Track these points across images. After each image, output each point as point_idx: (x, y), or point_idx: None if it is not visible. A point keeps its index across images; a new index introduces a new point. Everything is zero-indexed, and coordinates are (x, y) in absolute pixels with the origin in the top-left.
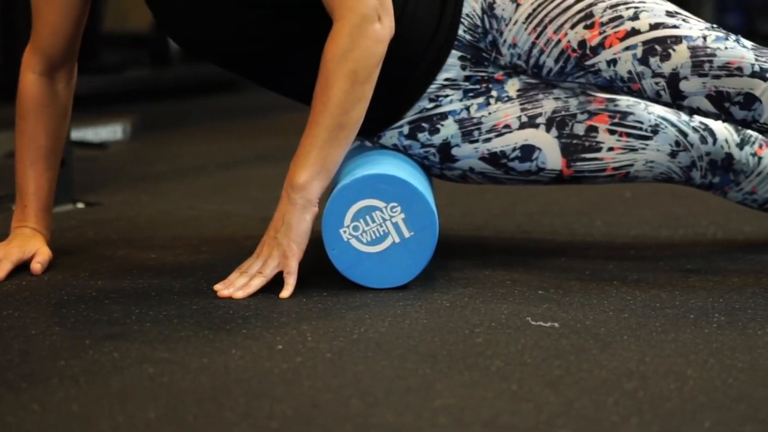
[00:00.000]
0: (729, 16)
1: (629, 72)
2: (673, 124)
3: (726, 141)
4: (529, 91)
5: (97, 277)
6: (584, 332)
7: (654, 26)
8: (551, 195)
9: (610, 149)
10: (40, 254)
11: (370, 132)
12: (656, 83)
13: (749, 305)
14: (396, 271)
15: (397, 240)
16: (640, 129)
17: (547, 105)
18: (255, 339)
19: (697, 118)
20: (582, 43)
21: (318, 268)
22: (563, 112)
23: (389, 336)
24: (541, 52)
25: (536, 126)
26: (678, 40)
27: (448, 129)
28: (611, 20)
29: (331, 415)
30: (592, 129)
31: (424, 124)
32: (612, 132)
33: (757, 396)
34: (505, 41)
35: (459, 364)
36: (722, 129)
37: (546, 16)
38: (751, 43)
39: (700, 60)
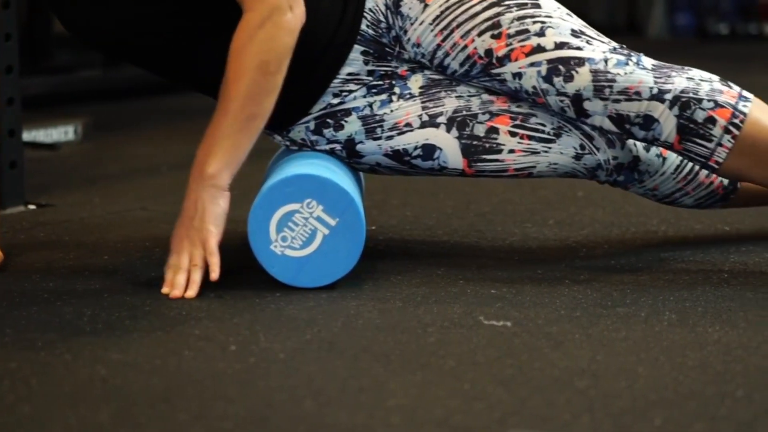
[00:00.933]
0: (680, 17)
1: (534, 87)
2: (577, 127)
3: (634, 144)
4: (431, 88)
5: (49, 278)
6: (536, 331)
7: (559, 45)
8: (504, 194)
9: (511, 151)
10: None
11: (278, 126)
12: (561, 101)
13: (699, 303)
14: (339, 260)
15: (327, 232)
16: (543, 132)
17: (449, 104)
18: (208, 340)
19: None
20: (489, 52)
21: None
22: (464, 112)
23: (342, 336)
24: (447, 54)
25: (437, 126)
26: (581, 62)
27: (352, 126)
28: (518, 33)
29: (285, 416)
30: (493, 130)
31: (329, 120)
32: (513, 134)
33: (708, 393)
34: (409, 39)
35: (412, 363)
36: None
37: (454, 20)
38: (652, 62)
39: (601, 85)
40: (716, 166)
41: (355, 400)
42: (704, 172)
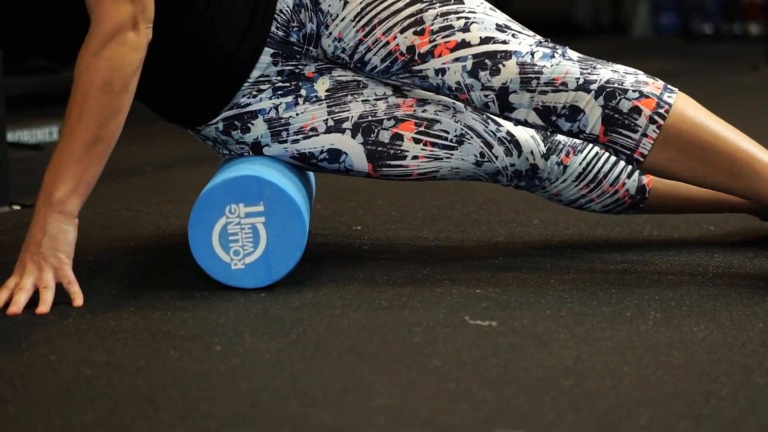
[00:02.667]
0: (664, 16)
1: (458, 83)
2: (479, 135)
3: (531, 153)
4: (338, 91)
5: None
6: (522, 331)
7: (484, 40)
8: (490, 194)
9: (415, 158)
10: None
11: (190, 124)
12: (485, 95)
13: (684, 303)
14: (293, 232)
15: (263, 219)
16: (446, 139)
17: (355, 109)
18: (193, 340)
19: (504, 128)
20: (411, 49)
21: None
22: (370, 118)
23: (327, 336)
24: (368, 50)
25: (342, 131)
26: (508, 55)
27: (258, 128)
28: (442, 29)
29: (270, 416)
30: (398, 137)
31: (236, 122)
32: (417, 141)
33: (693, 393)
34: (330, 34)
35: (397, 363)
36: (528, 140)
37: (375, 16)
38: (578, 55)
39: (528, 77)
40: (641, 159)
41: (340, 400)
42: (608, 180)
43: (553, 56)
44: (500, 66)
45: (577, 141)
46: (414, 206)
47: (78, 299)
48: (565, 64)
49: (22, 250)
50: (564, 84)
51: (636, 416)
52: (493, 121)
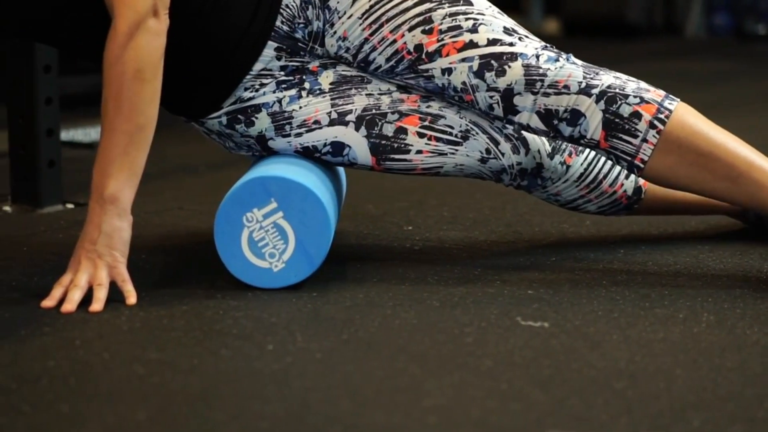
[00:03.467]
0: (717, 16)
1: (463, 83)
2: (484, 131)
3: (538, 151)
4: (342, 85)
5: None
6: (574, 332)
7: (492, 42)
8: None
9: (419, 152)
10: None
11: (193, 117)
12: (490, 97)
13: (738, 305)
14: (313, 210)
15: (282, 214)
16: (450, 134)
17: (359, 102)
18: (245, 339)
19: (511, 126)
20: (419, 47)
21: None
22: (374, 111)
23: (379, 336)
24: (373, 49)
25: (345, 124)
26: (514, 57)
27: (262, 122)
28: (450, 29)
29: (321, 416)
30: (402, 131)
31: (240, 116)
32: (421, 135)
33: (746, 395)
34: (335, 33)
35: (449, 364)
36: (535, 138)
37: (383, 14)
38: (583, 62)
39: (533, 78)
40: (642, 165)
41: (391, 400)
42: (607, 180)
43: (557, 60)
44: (506, 67)
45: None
46: (466, 207)
47: (131, 298)
48: (569, 67)
49: (77, 247)
50: (566, 87)
51: (689, 419)
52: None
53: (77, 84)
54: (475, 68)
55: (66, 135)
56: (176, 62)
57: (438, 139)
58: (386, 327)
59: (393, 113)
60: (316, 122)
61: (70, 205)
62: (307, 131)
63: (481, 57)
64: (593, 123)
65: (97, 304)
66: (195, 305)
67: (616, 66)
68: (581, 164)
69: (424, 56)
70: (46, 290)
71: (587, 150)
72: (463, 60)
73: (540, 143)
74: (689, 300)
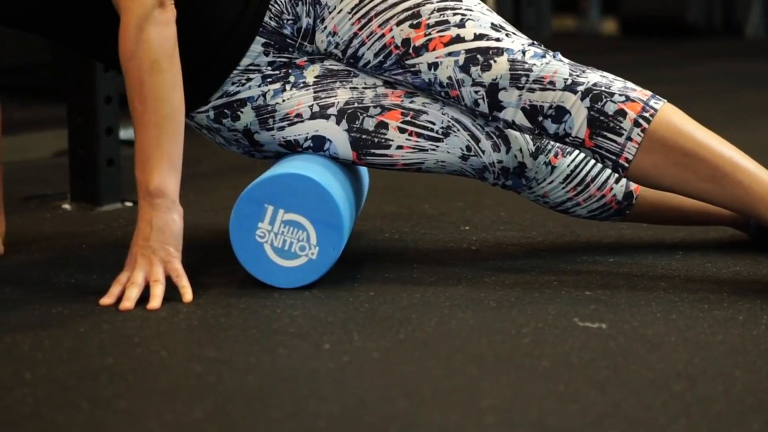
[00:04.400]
0: None
1: (449, 78)
2: (466, 128)
3: (520, 150)
4: (326, 78)
5: None
6: (632, 333)
7: (478, 36)
8: None
9: (399, 147)
10: None
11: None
12: (476, 92)
13: None
14: (312, 187)
15: (282, 210)
16: (431, 130)
17: (342, 95)
18: (302, 338)
19: (492, 124)
20: (406, 41)
21: (364, 269)
22: (356, 104)
23: (436, 336)
24: (362, 43)
25: (327, 117)
26: (500, 52)
27: (247, 116)
28: (438, 23)
29: (378, 415)
30: (383, 125)
31: (226, 111)
32: (402, 130)
33: None
34: (325, 28)
35: (506, 364)
36: (517, 137)
37: (372, 9)
38: (569, 60)
39: (518, 73)
40: (626, 164)
41: (448, 400)
42: (595, 184)
43: (544, 56)
44: (491, 62)
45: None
46: (523, 207)
47: (187, 294)
48: (555, 64)
49: (132, 244)
50: (552, 83)
51: (748, 421)
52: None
53: None
54: (461, 62)
55: (125, 134)
56: None
57: (419, 135)
58: (443, 327)
59: (375, 107)
60: (298, 115)
61: (128, 203)
62: (289, 125)
63: (467, 51)
64: (578, 120)
65: (155, 301)
66: (252, 304)
67: (673, 67)
68: (568, 165)
69: (411, 51)
70: (104, 288)
71: (575, 152)
72: (450, 54)
73: (522, 142)
74: (748, 302)
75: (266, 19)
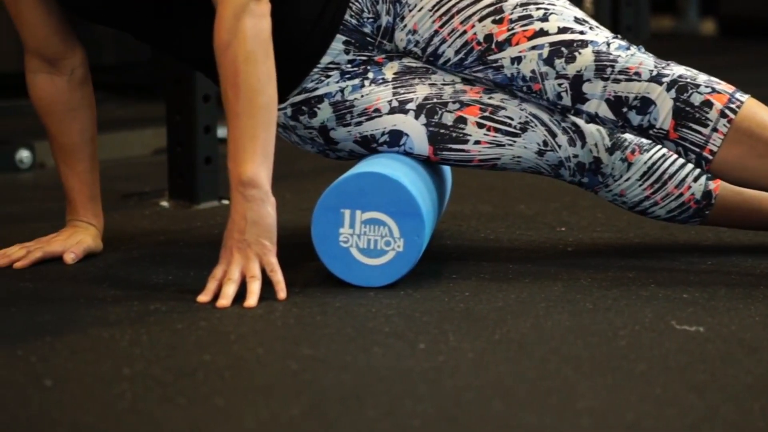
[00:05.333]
0: None
1: (532, 71)
2: (543, 123)
3: (595, 145)
4: (405, 74)
5: None
6: (730, 337)
7: (562, 30)
8: None
9: (477, 142)
10: (78, 245)
11: None
12: (559, 84)
13: None
14: (390, 185)
15: (360, 211)
16: (510, 125)
17: (420, 91)
18: (397, 337)
19: (570, 119)
20: (488, 37)
21: (460, 269)
22: (435, 100)
23: (531, 337)
24: (443, 41)
25: (405, 112)
26: (584, 44)
27: (324, 112)
28: (521, 18)
29: (474, 415)
30: (461, 120)
31: (303, 107)
32: (480, 125)
33: None
34: (405, 26)
35: (602, 366)
36: (593, 132)
37: (454, 6)
38: (653, 55)
39: (603, 64)
40: (710, 156)
41: (544, 401)
42: (673, 181)
43: (628, 48)
44: (576, 54)
45: (644, 140)
46: (619, 208)
47: (281, 291)
48: (640, 56)
49: (225, 238)
50: (637, 74)
51: None
52: (559, 111)
53: None
54: (545, 56)
55: (222, 132)
56: None
57: (497, 130)
58: (538, 328)
59: (454, 102)
60: (377, 110)
61: (225, 201)
62: (367, 119)
63: (552, 44)
64: (663, 111)
65: (252, 298)
66: (347, 303)
67: None
68: (645, 162)
69: (493, 46)
70: (201, 285)
71: (653, 149)
72: (533, 48)
73: (598, 137)
74: None
75: (346, 17)
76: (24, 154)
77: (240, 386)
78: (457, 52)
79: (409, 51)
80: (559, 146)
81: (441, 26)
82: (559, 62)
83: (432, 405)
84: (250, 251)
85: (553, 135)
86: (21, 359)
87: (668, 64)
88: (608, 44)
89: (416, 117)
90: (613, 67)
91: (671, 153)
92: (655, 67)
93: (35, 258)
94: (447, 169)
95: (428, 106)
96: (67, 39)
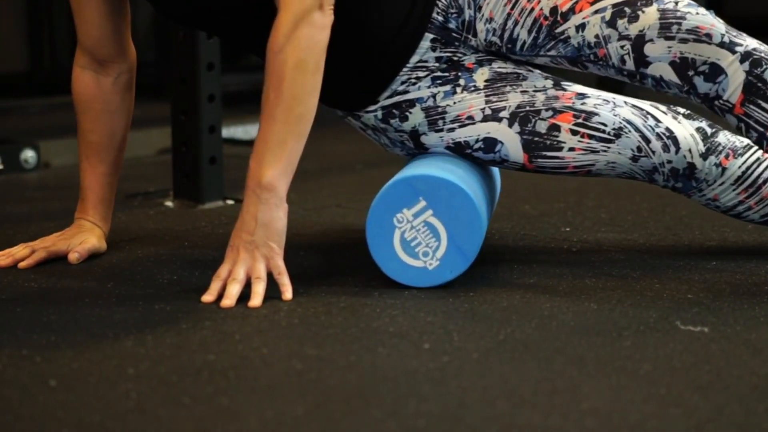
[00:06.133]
0: None
1: (596, 36)
2: (637, 129)
3: (689, 150)
4: (497, 82)
5: None
6: (735, 338)
7: None
8: None
9: (571, 149)
10: (82, 245)
11: (350, 109)
12: (621, 47)
13: None
14: (462, 205)
15: (431, 212)
16: (603, 132)
17: (513, 99)
18: (402, 337)
19: (663, 124)
20: (554, 10)
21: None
22: (528, 108)
23: (536, 337)
24: (516, 23)
25: (499, 120)
26: (648, 2)
27: (416, 117)
28: None
29: (478, 415)
30: (555, 128)
31: (394, 111)
32: (574, 132)
33: None
34: (482, 16)
35: (606, 367)
36: (687, 137)
37: None
38: (723, 21)
39: (669, 22)
40: None
41: (548, 401)
42: (767, 186)
43: (698, 7)
44: (639, 12)
45: (738, 144)
46: (624, 209)
47: (287, 293)
48: (711, 18)
49: (233, 237)
50: (708, 36)
51: None
52: (652, 116)
53: (238, 82)
54: (607, 18)
55: (227, 132)
56: (335, 54)
57: (591, 137)
58: (543, 328)
59: (547, 110)
60: (470, 117)
61: (230, 201)
62: (460, 126)
63: (614, 6)
64: (734, 84)
65: (257, 299)
66: (352, 302)
67: None
68: (739, 167)
69: (559, 18)
70: (206, 285)
71: (747, 153)
72: (596, 12)
73: (692, 142)
74: None
75: (434, 14)
76: (29, 154)
77: (244, 386)
78: (529, 32)
79: (490, 42)
80: (653, 152)
81: (512, 8)
82: (621, 23)
83: (436, 405)
84: (257, 252)
85: (647, 141)
86: (26, 359)
87: (740, 34)
88: (676, 2)
89: (510, 125)
90: (680, 25)
91: (766, 157)
92: (727, 32)
93: (40, 258)
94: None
95: (521, 114)
96: (121, 44)
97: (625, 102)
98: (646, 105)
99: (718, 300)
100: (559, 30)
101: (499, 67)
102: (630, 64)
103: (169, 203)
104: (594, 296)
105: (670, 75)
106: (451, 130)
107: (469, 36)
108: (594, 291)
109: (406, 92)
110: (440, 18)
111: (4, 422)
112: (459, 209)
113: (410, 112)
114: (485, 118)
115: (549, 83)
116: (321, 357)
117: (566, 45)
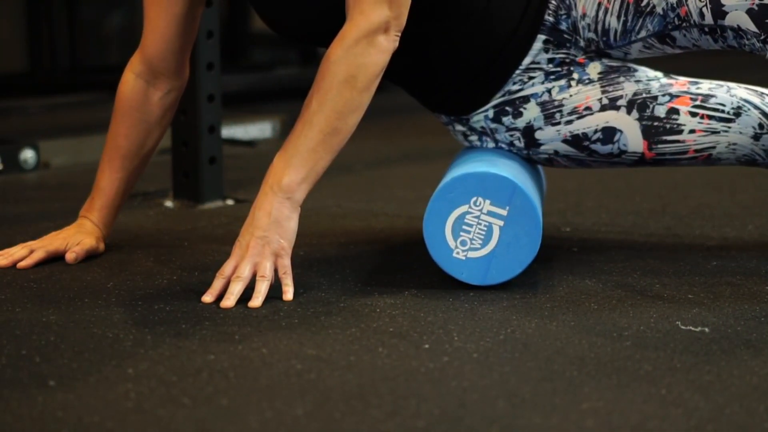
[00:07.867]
0: None
1: None
2: (756, 107)
3: None
4: (610, 73)
5: None
6: (735, 338)
7: None
8: (702, 198)
9: (692, 131)
10: (80, 245)
11: (459, 113)
12: (699, 1)
13: None
14: (522, 248)
15: (501, 223)
16: (723, 111)
17: (628, 87)
18: (402, 337)
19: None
20: None
21: None
22: (644, 95)
23: (536, 337)
24: (606, 11)
25: (617, 108)
26: None
27: (531, 112)
28: None
29: (478, 416)
30: (674, 111)
31: (507, 108)
32: (693, 114)
33: None
34: (579, 13)
35: (607, 367)
36: None
37: None
38: None
39: None
40: None
41: (548, 402)
42: None
43: None
44: None
45: None
46: (624, 209)
47: (289, 293)
48: None
49: (243, 232)
50: None
51: None
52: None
53: (238, 82)
54: None
55: (226, 132)
56: (447, 59)
57: (710, 117)
58: (543, 328)
59: (663, 95)
60: (587, 108)
61: (230, 201)
62: (578, 118)
63: None
64: None
65: (258, 299)
66: (352, 303)
67: None
68: None
69: None
70: (206, 285)
71: None
72: None
73: None
74: None
75: (546, 16)
76: (28, 154)
77: (244, 386)
78: (618, 18)
79: (589, 40)
80: None
81: None
82: None
83: (436, 405)
84: (267, 249)
85: None
86: (25, 359)
87: None
88: None
89: (628, 112)
90: None
91: None
92: None
93: (38, 258)
94: None
95: (639, 101)
96: (182, 62)
97: (738, 85)
98: (758, 88)
99: (719, 300)
100: (643, 4)
101: (609, 62)
102: (708, 18)
103: (168, 203)
104: (594, 296)
105: (747, 24)
106: (569, 122)
107: (579, 37)
108: (594, 291)
109: (519, 90)
110: (551, 19)
111: (4, 422)
112: (518, 249)
113: (525, 108)
114: (603, 108)
115: (659, 74)
116: (321, 357)
117: (653, 17)
